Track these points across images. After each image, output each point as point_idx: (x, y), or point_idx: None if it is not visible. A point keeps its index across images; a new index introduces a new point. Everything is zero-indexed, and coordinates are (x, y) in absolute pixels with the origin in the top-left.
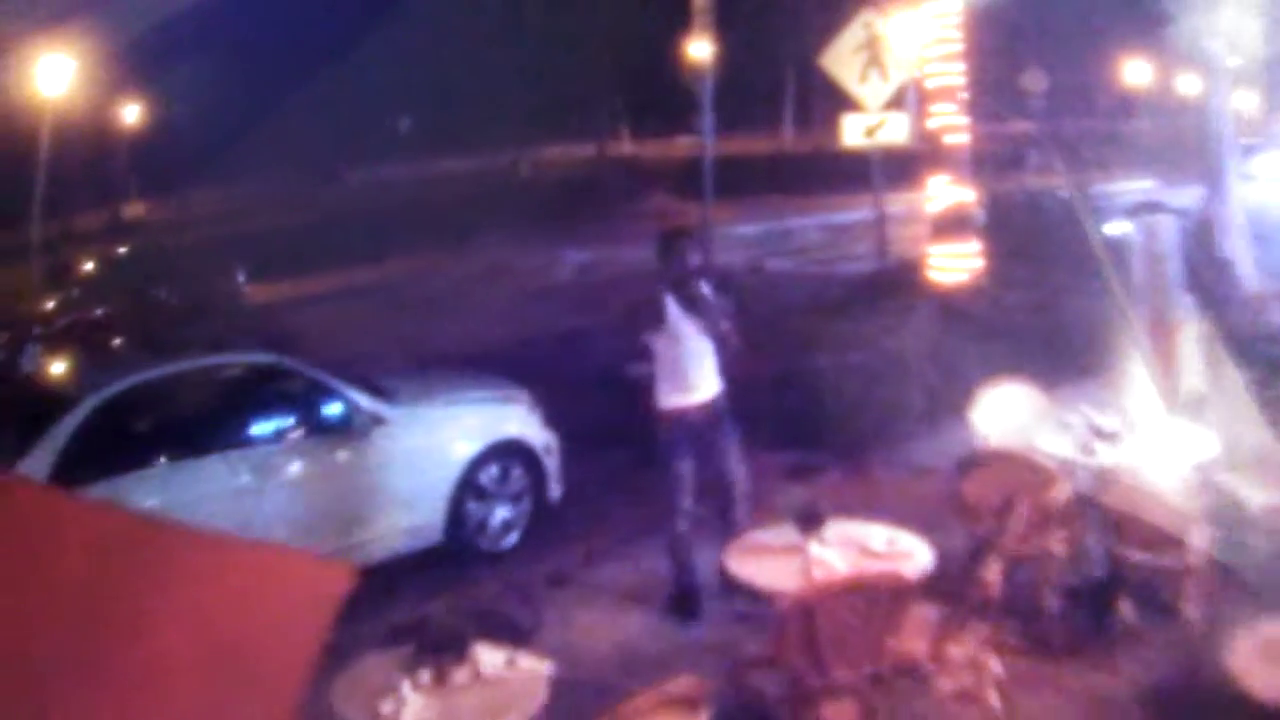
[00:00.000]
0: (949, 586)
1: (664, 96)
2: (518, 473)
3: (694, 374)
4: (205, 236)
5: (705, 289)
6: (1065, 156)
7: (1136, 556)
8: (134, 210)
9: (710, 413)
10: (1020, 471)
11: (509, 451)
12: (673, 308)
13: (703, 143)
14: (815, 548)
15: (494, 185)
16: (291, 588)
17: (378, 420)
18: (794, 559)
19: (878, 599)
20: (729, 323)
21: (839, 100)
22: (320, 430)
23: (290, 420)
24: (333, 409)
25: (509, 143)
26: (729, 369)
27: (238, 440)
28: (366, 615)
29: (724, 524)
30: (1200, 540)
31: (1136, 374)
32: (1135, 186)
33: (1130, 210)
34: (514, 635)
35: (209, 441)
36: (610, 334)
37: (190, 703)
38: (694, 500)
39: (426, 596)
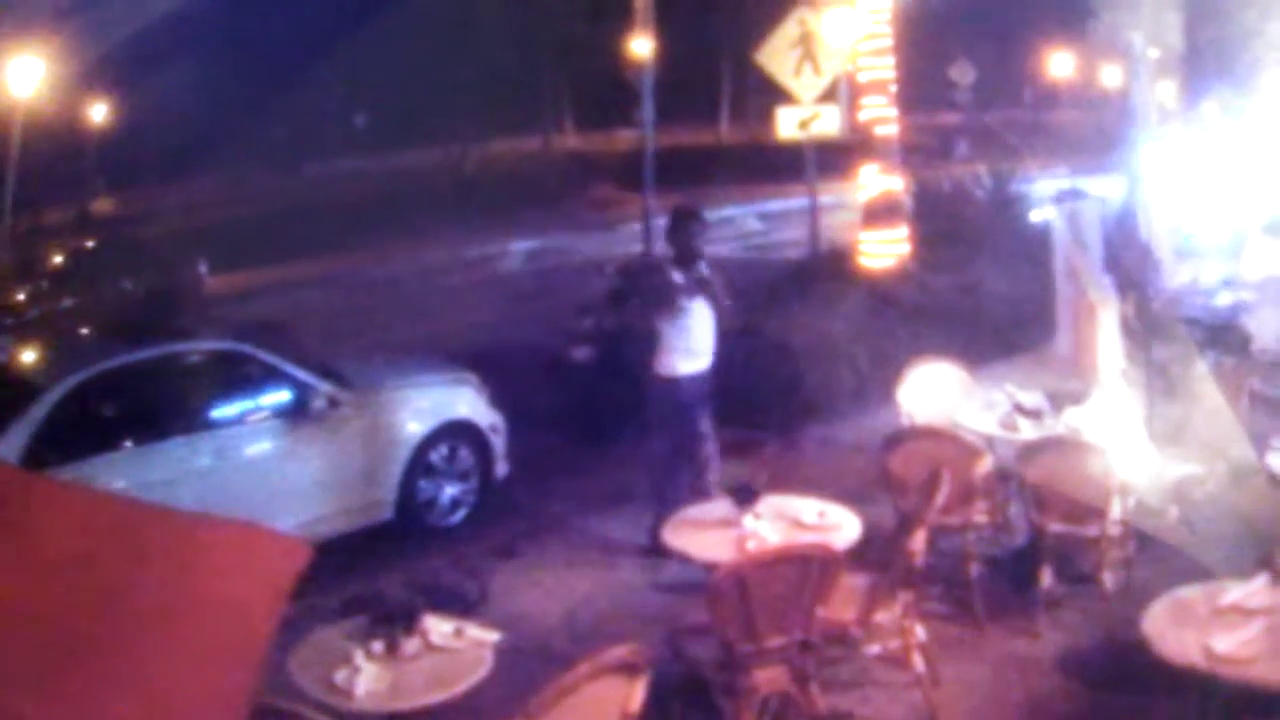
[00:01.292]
0: (877, 556)
1: (606, 91)
2: (465, 452)
3: (697, 343)
4: (170, 230)
5: (704, 269)
6: (992, 146)
7: (1057, 527)
8: (102, 205)
9: (704, 381)
10: (945, 447)
11: (457, 432)
12: (679, 280)
13: (643, 135)
14: (749, 521)
15: (445, 178)
16: (252, 562)
17: (333, 403)
18: (729, 532)
19: (808, 569)
20: (728, 300)
21: (774, 94)
22: (278, 413)
23: (250, 404)
24: (290, 393)
25: (459, 137)
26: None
27: (200, 423)
28: (322, 589)
29: (693, 492)
30: (1118, 511)
31: (1058, 353)
32: (1059, 175)
33: (1054, 197)
34: (462, 607)
35: (173, 425)
36: (555, 319)
37: (157, 669)
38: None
39: (379, 571)
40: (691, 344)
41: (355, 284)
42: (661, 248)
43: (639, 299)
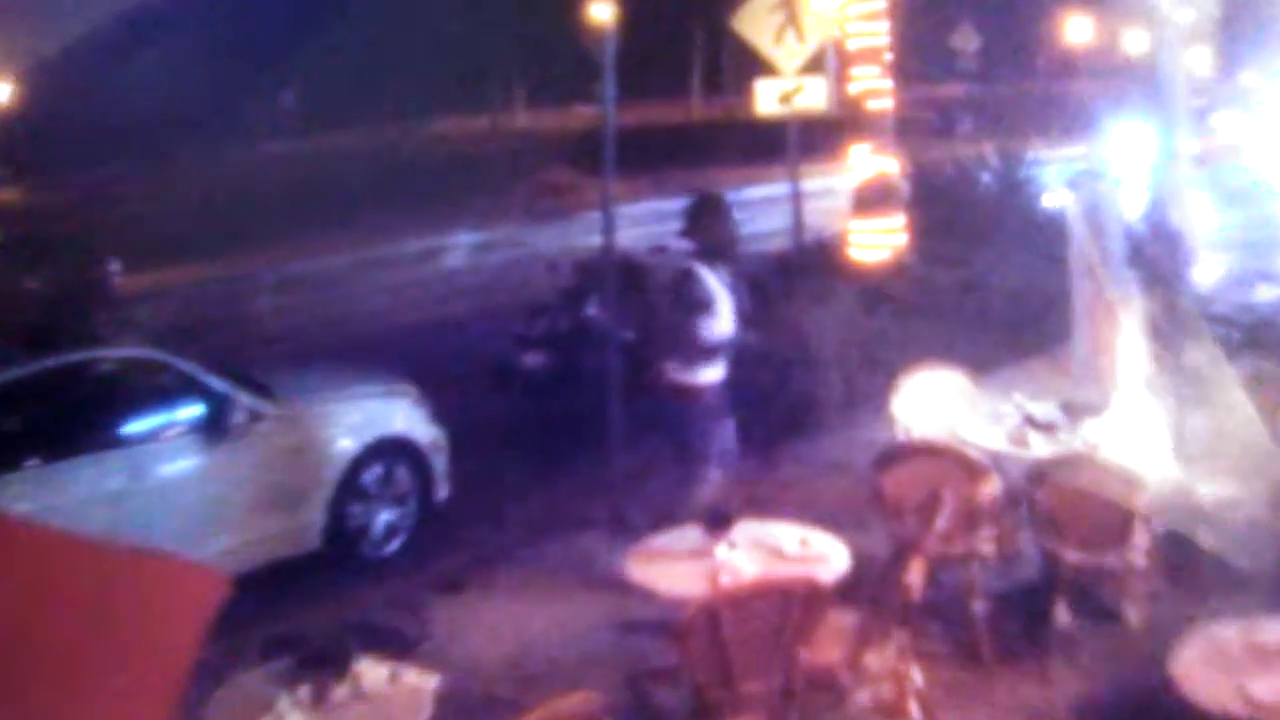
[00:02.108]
0: (867, 591)
1: (562, 63)
2: (403, 472)
3: (724, 350)
4: (80, 222)
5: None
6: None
7: (1074, 556)
8: (5, 196)
9: (724, 391)
10: (946, 465)
11: (393, 450)
12: (710, 279)
13: (604, 112)
14: (722, 551)
15: (383, 162)
16: (166, 597)
17: (256, 417)
18: (699, 563)
19: (789, 606)
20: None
21: (752, 64)
22: (196, 428)
23: (165, 418)
24: (209, 405)
25: (398, 116)
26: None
27: (112, 440)
28: (243, 628)
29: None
30: (1144, 538)
31: (1076, 357)
32: (1076, 153)
33: (1070, 180)
34: (398, 647)
35: (81, 442)
36: (504, 322)
37: (62, 715)
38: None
39: (305, 607)
40: (718, 351)
41: (281, 282)
42: (659, 241)
43: (677, 305)
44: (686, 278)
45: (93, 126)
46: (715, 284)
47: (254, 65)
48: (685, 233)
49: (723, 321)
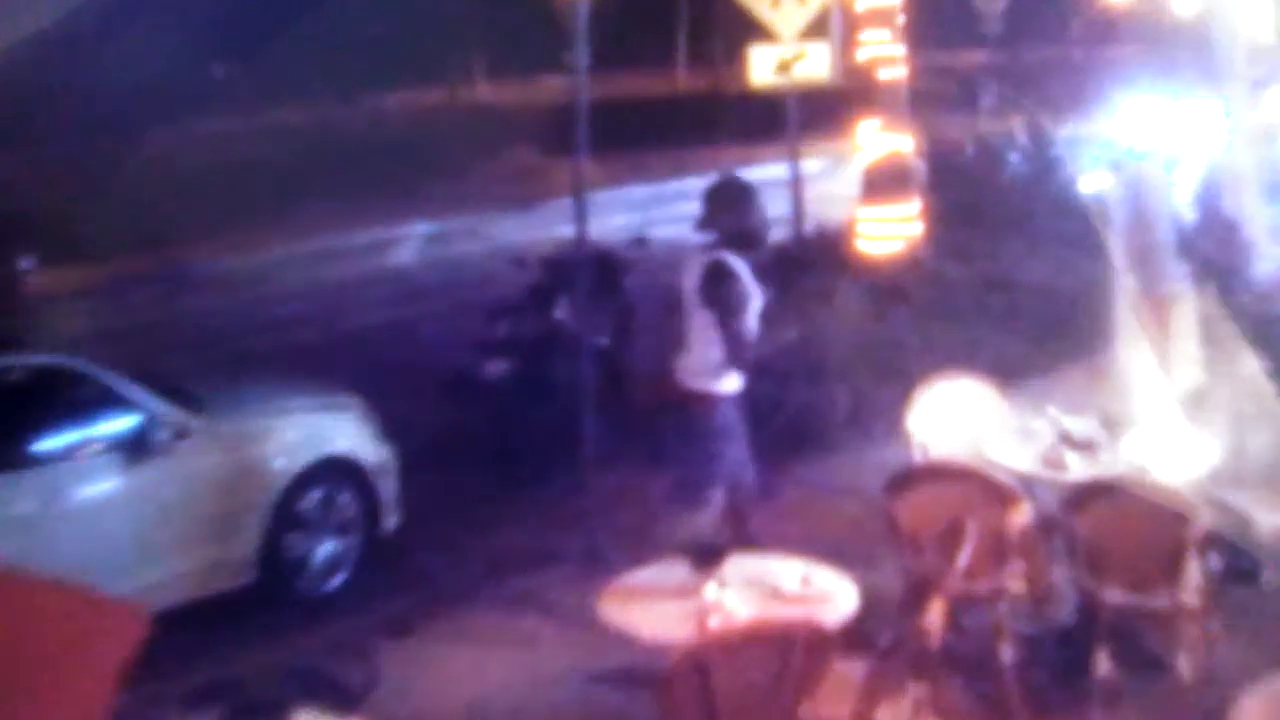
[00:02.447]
0: (879, 637)
1: (529, 27)
2: (346, 497)
3: (752, 354)
4: None
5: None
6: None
7: (1116, 596)
8: None
9: (741, 403)
10: (969, 490)
11: (336, 471)
12: (744, 270)
13: (575, 84)
14: (711, 589)
15: (327, 143)
16: (76, 633)
17: (183, 434)
18: (685, 603)
19: (789, 653)
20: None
21: (745, 29)
22: (116, 446)
23: (82, 434)
24: (130, 420)
25: (343, 90)
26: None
27: (22, 458)
28: (166, 673)
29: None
30: (1197, 575)
31: (1119, 365)
32: (1116, 131)
33: (1111, 160)
34: (341, 698)
35: None
36: (462, 325)
37: None
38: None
39: (236, 649)
40: (746, 351)
41: (212, 279)
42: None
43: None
44: (720, 270)
45: (45, 105)
46: (748, 277)
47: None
48: (706, 221)
49: (753, 321)
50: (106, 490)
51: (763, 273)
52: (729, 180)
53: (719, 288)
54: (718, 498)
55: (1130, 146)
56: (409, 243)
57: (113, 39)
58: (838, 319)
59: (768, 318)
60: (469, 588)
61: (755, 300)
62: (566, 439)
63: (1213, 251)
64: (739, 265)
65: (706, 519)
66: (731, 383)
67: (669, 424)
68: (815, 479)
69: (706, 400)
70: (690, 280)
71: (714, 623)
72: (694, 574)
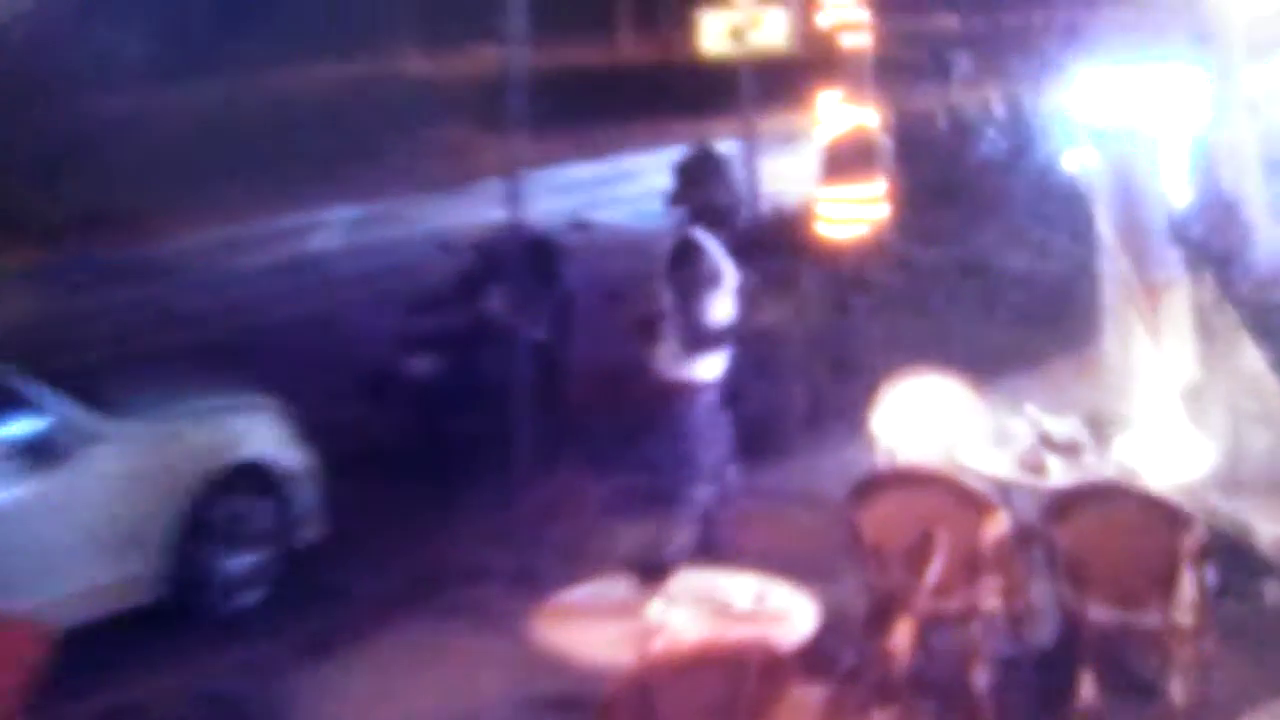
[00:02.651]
0: (840, 659)
1: None
2: (262, 507)
3: (729, 336)
4: None
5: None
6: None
7: (1102, 614)
8: None
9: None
10: (940, 498)
11: (251, 478)
12: (715, 250)
13: (510, 54)
14: (657, 607)
15: (242, 121)
16: None
17: (86, 438)
18: (627, 623)
19: (741, 677)
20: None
21: None
22: (19, 452)
23: None
24: (35, 424)
25: (261, 63)
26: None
27: None
28: (69, 695)
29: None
30: (1192, 590)
31: (1105, 359)
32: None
33: (1096, 135)
34: None
35: None
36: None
37: None
38: None
39: (143, 671)
40: (722, 333)
41: (121, 270)
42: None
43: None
44: (685, 248)
45: None
46: (720, 255)
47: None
48: (678, 196)
49: (728, 301)
50: (6, 500)
51: (737, 250)
52: (699, 153)
53: (681, 267)
54: (699, 499)
55: (1118, 120)
56: (329, 228)
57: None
58: (796, 310)
59: (746, 297)
60: (393, 605)
61: (728, 278)
62: (498, 442)
63: (1208, 234)
64: (709, 242)
65: (685, 525)
66: (710, 368)
67: (645, 420)
68: (770, 485)
69: (685, 390)
70: (661, 262)
71: (659, 644)
72: (637, 591)
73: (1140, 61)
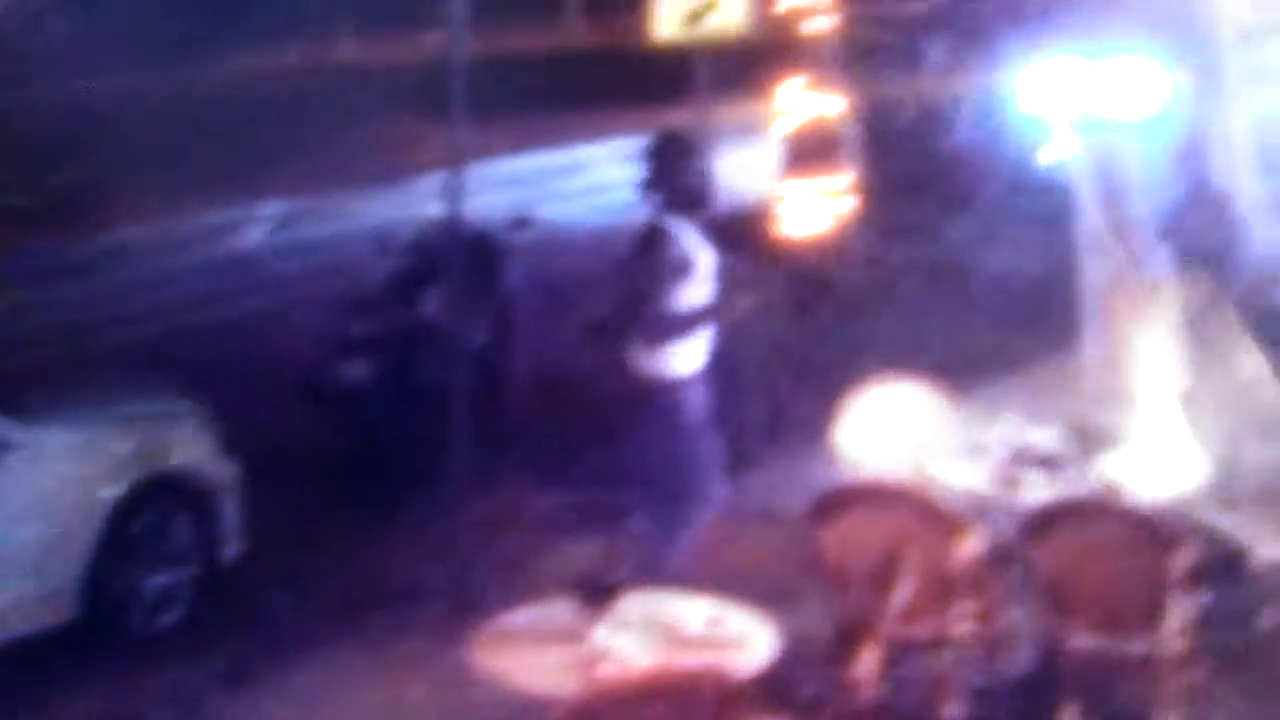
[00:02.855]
0: (801, 687)
1: None
2: (182, 521)
3: (706, 324)
4: None
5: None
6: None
7: (1084, 641)
8: None
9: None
10: (908, 515)
11: (171, 490)
12: (689, 236)
13: (452, 38)
14: (603, 633)
15: (165, 112)
16: None
17: (3, 446)
18: (572, 649)
19: (693, 707)
20: None
21: None
22: None
23: None
24: None
25: (184, 51)
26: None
27: None
28: None
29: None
30: (1181, 615)
31: (1088, 366)
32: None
33: (1078, 124)
34: None
35: None
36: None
37: None
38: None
39: (54, 697)
40: (695, 320)
41: (40, 268)
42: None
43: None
44: (651, 236)
45: None
46: (693, 241)
47: None
48: (648, 182)
49: (702, 287)
50: None
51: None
52: (668, 136)
53: (646, 254)
54: (705, 500)
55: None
56: (258, 225)
57: None
58: (754, 311)
59: (723, 281)
60: (320, 627)
61: (702, 265)
62: (436, 452)
63: (1199, 232)
64: (680, 230)
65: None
66: (687, 362)
67: (626, 423)
68: (724, 500)
69: (665, 387)
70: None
71: (605, 672)
72: (582, 614)
73: (1106, 53)
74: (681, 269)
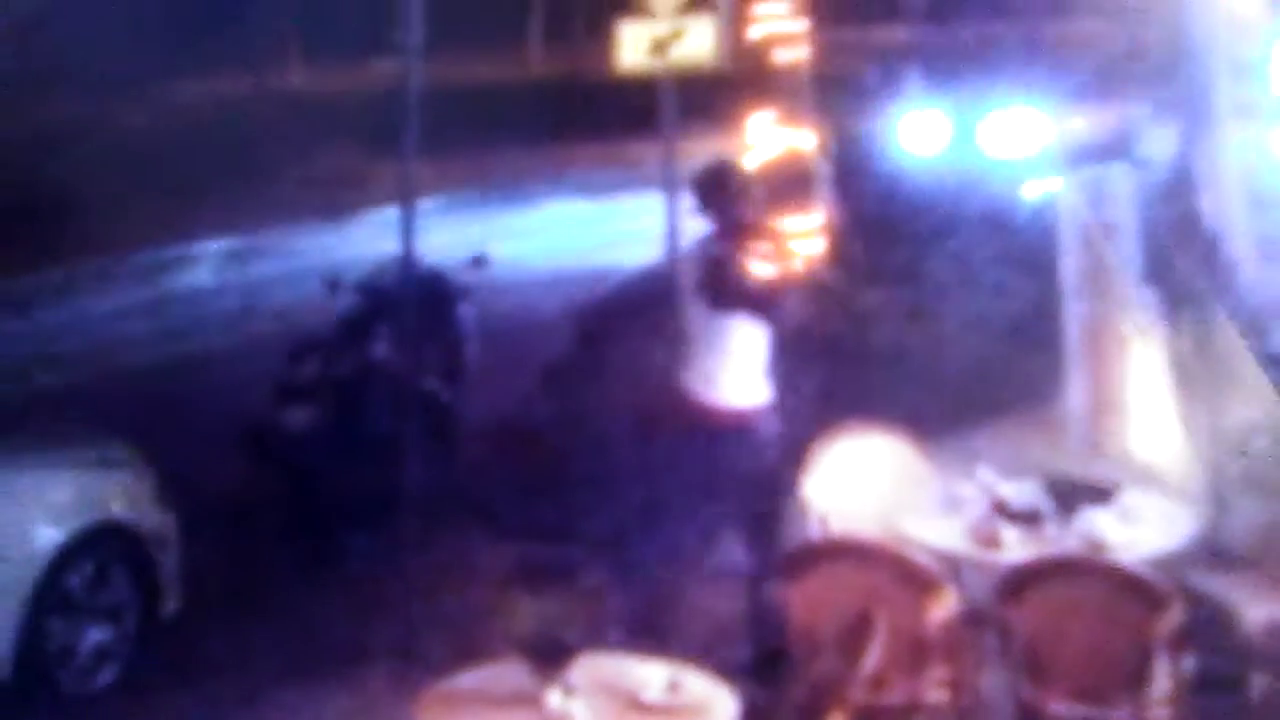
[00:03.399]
0: None
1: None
2: (119, 574)
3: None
4: None
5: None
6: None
7: (1064, 708)
8: None
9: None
10: (879, 574)
11: (108, 542)
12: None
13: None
14: (556, 698)
15: (103, 142)
16: None
17: None
18: (524, 713)
19: None
20: None
21: (611, 3)
22: None
23: None
24: None
25: (129, 80)
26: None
27: None
28: None
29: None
30: (1168, 681)
31: (1069, 415)
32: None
33: (1062, 160)
34: None
35: None
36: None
37: None
38: None
39: None
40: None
41: None
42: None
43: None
44: (717, 262)
45: None
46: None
47: None
48: (701, 209)
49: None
50: None
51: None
52: (716, 167)
53: (710, 278)
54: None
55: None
56: (202, 263)
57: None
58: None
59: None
60: (258, 689)
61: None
62: (383, 502)
63: (1189, 273)
64: (732, 266)
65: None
66: (759, 393)
67: (694, 460)
68: (682, 558)
69: (740, 418)
70: (688, 280)
71: None
72: (535, 677)
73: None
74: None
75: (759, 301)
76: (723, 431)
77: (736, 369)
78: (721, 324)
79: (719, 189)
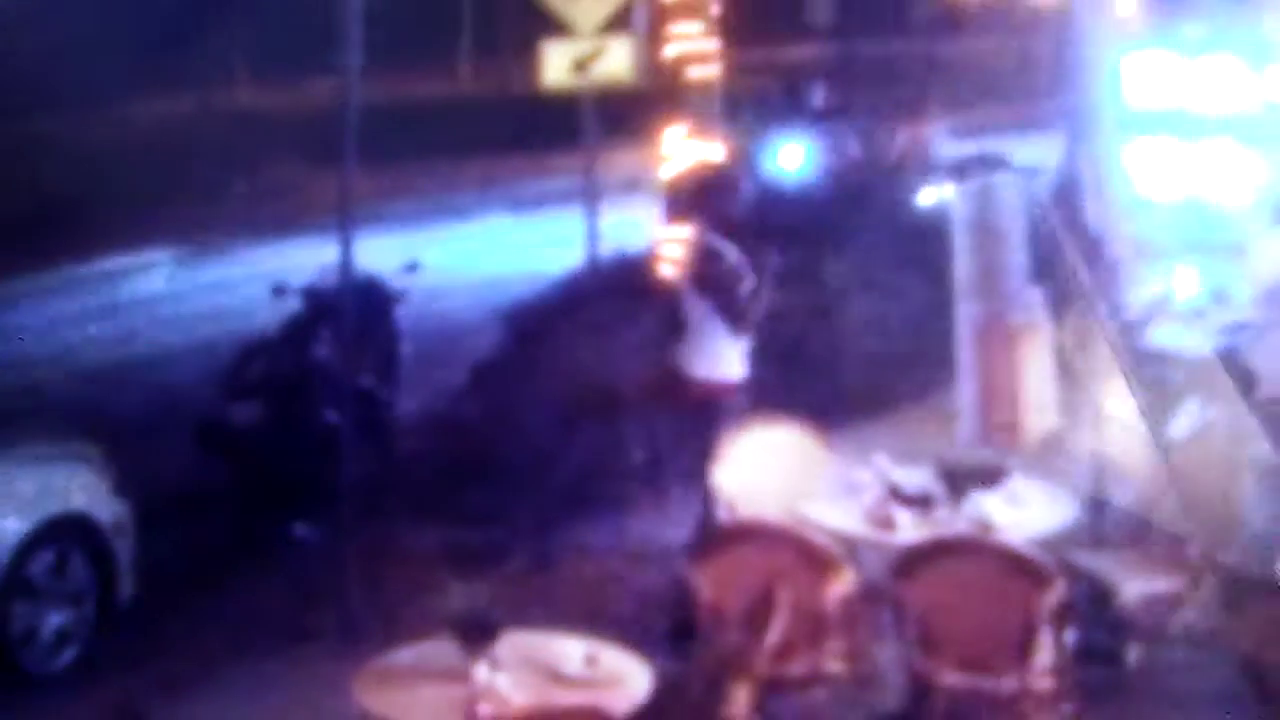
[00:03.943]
0: None
1: (296, 22)
2: (79, 561)
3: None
4: None
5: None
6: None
7: (954, 679)
8: None
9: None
10: (781, 554)
11: (69, 531)
12: (731, 250)
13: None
14: (482, 671)
15: (54, 157)
16: None
17: None
18: (451, 688)
19: None
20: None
21: (537, 22)
22: None
23: None
24: None
25: (76, 98)
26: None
27: None
28: None
29: None
30: (1050, 653)
31: (959, 407)
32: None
33: (955, 168)
34: None
35: None
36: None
37: None
38: None
39: None
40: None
41: None
42: None
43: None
44: (709, 253)
45: None
46: (735, 253)
47: None
48: (697, 207)
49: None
50: None
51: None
52: (707, 170)
53: (713, 265)
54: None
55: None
56: (151, 270)
57: None
58: (632, 355)
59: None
60: (207, 668)
61: (746, 282)
62: (323, 493)
63: (1072, 274)
64: (726, 246)
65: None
66: (740, 365)
67: (670, 429)
68: (602, 541)
69: (722, 389)
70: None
71: (485, 711)
72: (463, 653)
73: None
74: (739, 277)
75: (673, 299)
76: (711, 401)
77: (722, 347)
78: (710, 307)
79: (714, 189)
